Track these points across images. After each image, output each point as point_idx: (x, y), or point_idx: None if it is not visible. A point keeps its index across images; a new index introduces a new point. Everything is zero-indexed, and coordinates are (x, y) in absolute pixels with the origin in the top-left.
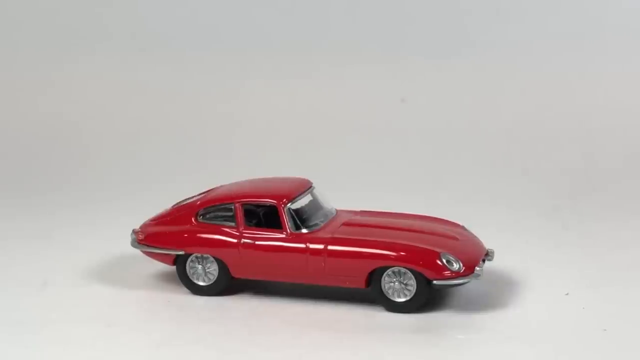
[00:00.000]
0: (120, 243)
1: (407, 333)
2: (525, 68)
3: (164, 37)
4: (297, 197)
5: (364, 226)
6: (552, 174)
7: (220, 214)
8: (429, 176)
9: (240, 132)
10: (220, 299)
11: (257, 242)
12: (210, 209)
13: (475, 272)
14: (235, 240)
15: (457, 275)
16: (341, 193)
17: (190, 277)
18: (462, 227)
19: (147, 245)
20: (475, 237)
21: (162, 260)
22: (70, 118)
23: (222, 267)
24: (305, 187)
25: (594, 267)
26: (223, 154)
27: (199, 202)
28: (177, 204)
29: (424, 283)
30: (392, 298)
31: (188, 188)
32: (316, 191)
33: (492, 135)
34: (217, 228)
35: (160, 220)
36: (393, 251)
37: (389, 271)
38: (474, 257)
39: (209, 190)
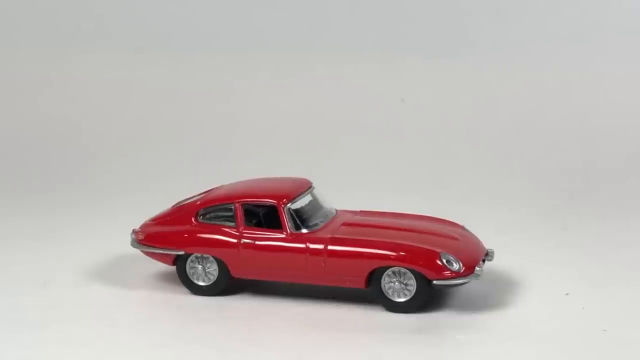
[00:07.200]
0: (120, 243)
1: (407, 333)
2: (525, 68)
3: (163, 37)
4: (297, 197)
5: (363, 226)
6: (552, 174)
7: (220, 214)
8: (429, 176)
9: (240, 132)
10: (220, 299)
11: (257, 242)
12: (210, 209)
13: (475, 272)
14: (235, 240)
15: (457, 275)
16: (341, 193)
17: (190, 277)
18: (462, 227)
19: (147, 245)
20: (475, 237)
21: (162, 260)
22: (70, 118)
23: (222, 267)
24: (305, 187)
25: (594, 267)
26: (222, 154)
27: (199, 202)
28: (177, 204)
29: (424, 283)
30: (392, 298)
31: (188, 188)
32: (316, 191)
33: (491, 135)
34: (217, 228)
35: (160, 220)
36: (393, 251)
37: (389, 271)
38: (474, 257)
39: (209, 190)
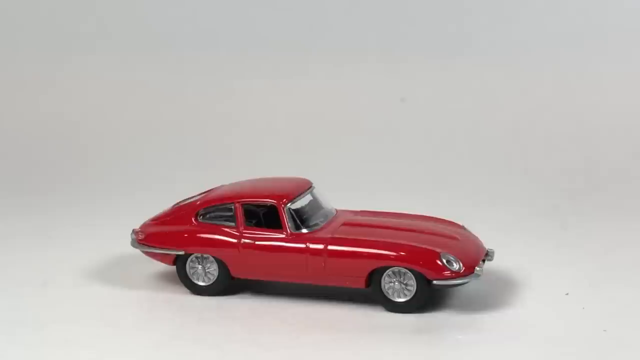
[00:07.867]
0: (120, 243)
1: (407, 333)
2: (526, 68)
3: (163, 37)
4: (297, 197)
5: (364, 226)
6: (552, 174)
7: (220, 214)
8: (429, 176)
9: (240, 132)
10: (220, 299)
11: (257, 242)
12: (210, 209)
13: (475, 272)
14: (235, 240)
15: (457, 275)
16: (341, 193)
17: (190, 277)
18: (462, 227)
19: (147, 245)
20: (475, 237)
21: (162, 260)
22: (70, 118)
23: (222, 267)
24: (305, 187)
25: (594, 267)
26: (222, 154)
27: (199, 202)
28: (178, 203)
29: (424, 283)
30: (392, 298)
31: (188, 188)
32: (316, 191)
33: (492, 135)
34: (217, 228)
35: (160, 220)
36: (393, 251)
37: (389, 271)
38: (474, 257)
39: (209, 190)
